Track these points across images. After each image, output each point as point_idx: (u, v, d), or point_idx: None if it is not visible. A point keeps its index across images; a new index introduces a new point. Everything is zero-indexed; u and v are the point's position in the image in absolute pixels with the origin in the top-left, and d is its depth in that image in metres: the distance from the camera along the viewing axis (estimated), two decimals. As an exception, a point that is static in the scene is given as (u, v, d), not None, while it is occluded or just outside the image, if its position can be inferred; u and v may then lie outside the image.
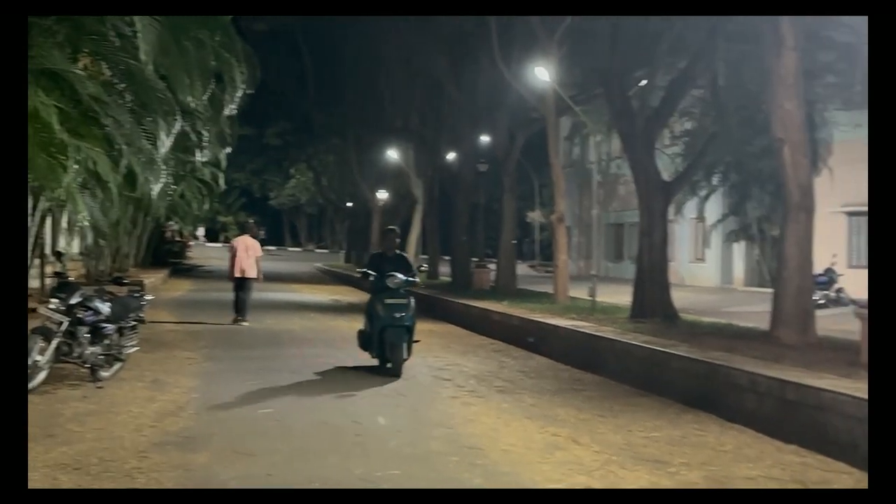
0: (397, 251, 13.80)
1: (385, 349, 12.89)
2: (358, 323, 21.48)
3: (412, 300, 13.14)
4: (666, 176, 20.62)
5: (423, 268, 14.05)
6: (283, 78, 42.20)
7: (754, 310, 20.56)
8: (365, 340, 13.49)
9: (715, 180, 25.38)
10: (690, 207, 30.70)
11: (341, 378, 12.61)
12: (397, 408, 10.51)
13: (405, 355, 12.88)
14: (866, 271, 19.91)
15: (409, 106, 38.40)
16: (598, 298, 20.78)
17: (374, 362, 13.28)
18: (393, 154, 41.84)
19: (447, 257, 37.96)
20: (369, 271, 13.36)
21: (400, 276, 13.07)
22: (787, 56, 13.35)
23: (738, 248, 32.95)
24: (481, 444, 8.61)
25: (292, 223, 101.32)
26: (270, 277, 32.05)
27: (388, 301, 12.89)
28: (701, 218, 31.80)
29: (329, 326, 20.60)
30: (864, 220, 26.79)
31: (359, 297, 33.81)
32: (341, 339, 17.72)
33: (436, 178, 38.84)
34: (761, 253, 31.35)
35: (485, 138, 31.11)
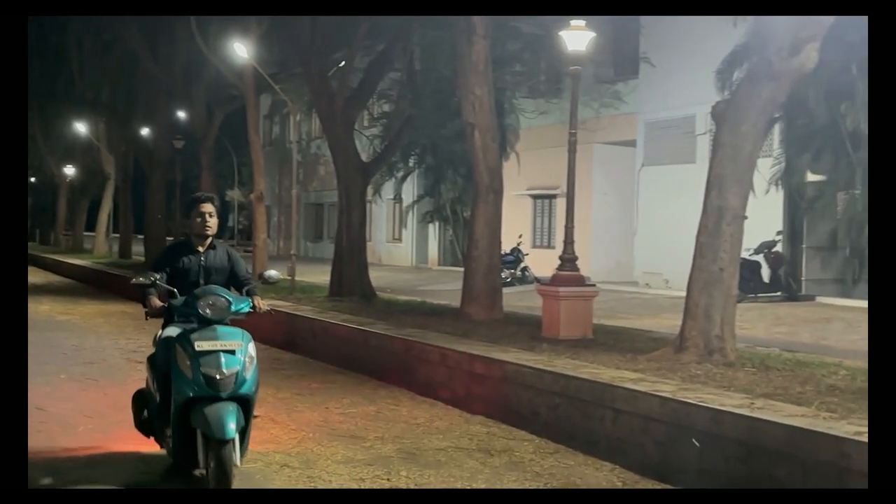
0: (216, 241, 7.04)
1: (196, 444, 6.25)
2: (46, 306, 20.38)
3: (248, 342, 6.46)
4: (365, 157, 20.95)
5: (270, 277, 7.26)
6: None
7: (447, 288, 21.41)
8: (150, 415, 6.90)
9: (411, 162, 26.07)
10: (388, 188, 31.38)
11: (23, 364, 11.87)
12: (85, 392, 10.07)
13: (237, 460, 6.17)
14: (549, 251, 21.17)
15: (100, 77, 36.54)
16: (298, 278, 20.80)
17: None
18: (82, 127, 39.68)
19: (141, 236, 36.60)
20: (158, 281, 6.66)
21: (224, 294, 6.55)
22: (478, 44, 13.94)
23: (433, 229, 34.04)
24: (175, 427, 8.42)
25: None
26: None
27: (202, 346, 6.22)
28: (398, 199, 32.58)
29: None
30: (547, 203, 28.53)
31: (44, 277, 31.87)
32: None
33: (129, 154, 37.23)
34: (454, 233, 32.60)
35: (182, 114, 30.18)
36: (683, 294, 10.09)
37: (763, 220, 17.27)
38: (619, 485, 7.13)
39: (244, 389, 6.29)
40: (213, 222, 6.87)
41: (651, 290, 21.80)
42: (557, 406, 8.62)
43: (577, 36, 12.58)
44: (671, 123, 23.03)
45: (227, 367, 6.21)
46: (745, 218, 9.97)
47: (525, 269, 25.20)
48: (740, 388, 7.90)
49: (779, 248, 19.30)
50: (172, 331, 6.53)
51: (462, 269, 15.55)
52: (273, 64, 25.19)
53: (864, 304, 17.44)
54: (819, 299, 18.54)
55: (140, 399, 7.17)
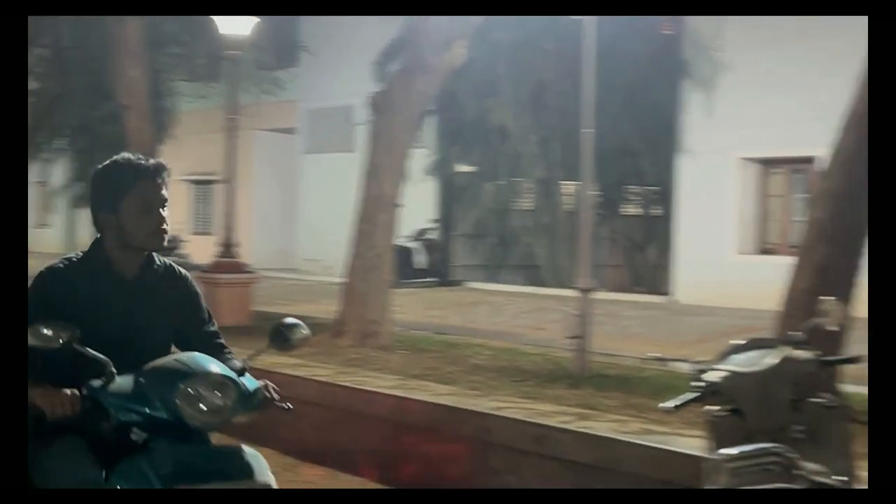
0: (160, 260, 3.40)
1: None
2: None
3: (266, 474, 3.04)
4: (6, 137, 19.56)
5: (298, 332, 3.60)
6: None
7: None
8: None
9: (61, 144, 24.66)
10: (34, 171, 29.48)
11: None
12: None
13: None
14: (209, 238, 20.67)
15: None
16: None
17: None
18: None
19: None
20: (75, 343, 2.94)
21: (223, 371, 3.06)
22: (131, 24, 13.43)
23: (86, 214, 32.43)
24: None
25: None
26: None
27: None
28: (45, 182, 30.70)
29: None
30: (207, 189, 28.01)
31: None
32: None
33: None
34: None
35: None
36: (344, 280, 10.32)
37: (419, 208, 18.00)
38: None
39: None
40: (167, 219, 3.32)
41: (312, 276, 22.04)
42: (216, 395, 8.53)
43: (237, 21, 12.45)
44: (331, 112, 23.38)
45: None
46: (401, 206, 10.36)
47: (184, 256, 24.59)
48: (395, 371, 8.21)
49: (433, 235, 20.20)
50: (80, 469, 2.98)
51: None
52: None
53: (507, 287, 18.72)
54: (468, 284, 19.61)
55: None
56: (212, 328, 3.52)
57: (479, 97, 18.11)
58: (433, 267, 19.78)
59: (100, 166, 3.34)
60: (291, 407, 3.40)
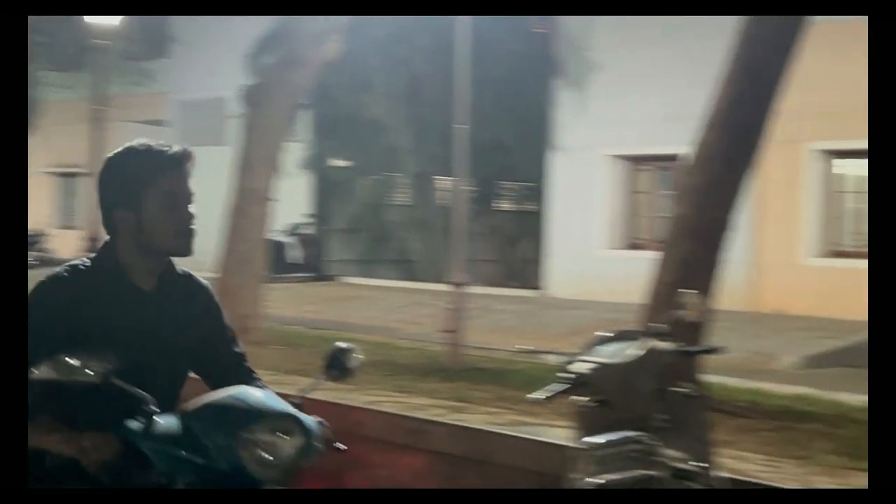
0: (180, 268, 2.82)
1: None
2: None
3: None
4: None
5: (352, 357, 2.97)
6: None
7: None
8: None
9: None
10: None
11: None
12: None
13: None
14: (73, 232, 20.08)
15: None
16: None
17: None
18: None
19: None
20: (112, 376, 2.40)
21: (287, 410, 2.49)
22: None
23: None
24: None
25: None
26: None
27: None
28: None
29: None
30: (73, 182, 27.19)
31: None
32: None
33: None
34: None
35: None
36: (216, 275, 10.17)
37: (293, 202, 17.86)
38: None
39: None
40: (189, 207, 2.75)
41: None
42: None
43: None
44: (203, 104, 22.97)
45: None
46: (274, 200, 10.28)
47: (47, 250, 23.87)
48: (269, 366, 8.12)
49: (308, 229, 20.07)
50: None
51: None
52: None
53: (382, 282, 18.73)
54: (342, 279, 19.55)
55: None
56: (238, 349, 2.91)
57: (354, 91, 18.08)
58: (307, 262, 19.66)
59: (112, 154, 2.78)
60: (346, 448, 2.83)
